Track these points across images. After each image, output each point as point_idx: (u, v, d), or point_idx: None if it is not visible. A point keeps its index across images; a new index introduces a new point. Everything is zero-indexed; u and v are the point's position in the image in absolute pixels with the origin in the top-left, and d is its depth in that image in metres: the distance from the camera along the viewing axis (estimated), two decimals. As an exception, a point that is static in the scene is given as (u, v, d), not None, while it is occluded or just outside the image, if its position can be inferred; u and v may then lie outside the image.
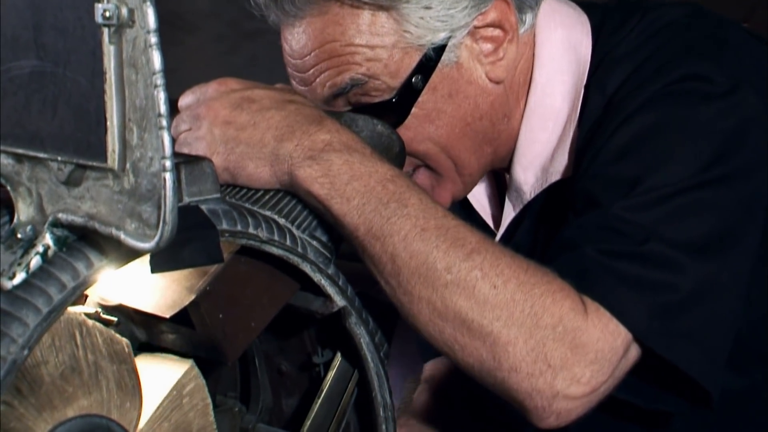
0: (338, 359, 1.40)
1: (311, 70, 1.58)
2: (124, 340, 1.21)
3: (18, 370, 1.09)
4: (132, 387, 1.22)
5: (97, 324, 1.20)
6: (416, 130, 1.59)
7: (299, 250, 1.30)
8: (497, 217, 1.79)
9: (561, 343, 1.33)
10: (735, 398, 1.56)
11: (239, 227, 1.24)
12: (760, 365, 1.62)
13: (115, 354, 1.21)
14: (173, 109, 1.15)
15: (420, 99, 1.58)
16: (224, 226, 1.22)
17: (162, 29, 1.05)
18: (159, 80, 1.02)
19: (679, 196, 1.42)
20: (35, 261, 1.13)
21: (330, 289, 1.33)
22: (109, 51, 1.05)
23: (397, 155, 1.52)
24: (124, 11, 1.04)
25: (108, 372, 1.20)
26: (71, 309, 1.18)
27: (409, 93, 1.57)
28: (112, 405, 1.20)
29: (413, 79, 1.57)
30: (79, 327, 1.18)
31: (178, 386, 1.29)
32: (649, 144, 1.47)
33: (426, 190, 1.53)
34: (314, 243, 1.33)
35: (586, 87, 1.62)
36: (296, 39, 1.59)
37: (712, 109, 1.47)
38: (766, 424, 1.65)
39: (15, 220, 1.17)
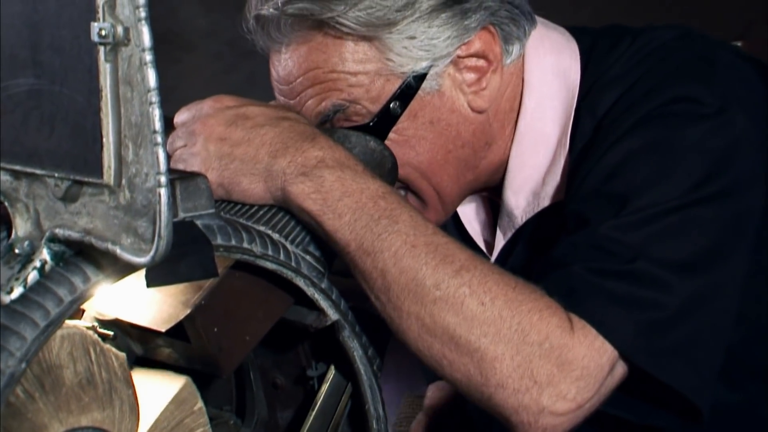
0: (332, 372, 1.40)
1: (297, 97, 1.59)
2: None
3: (17, 382, 1.10)
4: (157, 422, 1.24)
5: (112, 348, 1.21)
6: (398, 155, 1.59)
7: (293, 264, 1.30)
8: (490, 242, 1.79)
9: (547, 359, 1.34)
10: (729, 412, 1.56)
11: (234, 242, 1.25)
12: (753, 379, 1.62)
13: (127, 379, 1.22)
14: (169, 126, 1.16)
15: (400, 125, 1.58)
16: (219, 241, 1.23)
17: (160, 48, 1.06)
18: (154, 97, 1.03)
19: (667, 216, 1.43)
20: (33, 276, 1.14)
21: (323, 303, 1.33)
22: (105, 69, 1.06)
23: (389, 171, 1.53)
24: (120, 30, 1.05)
25: (122, 393, 1.21)
26: (80, 326, 1.20)
27: (386, 118, 1.57)
28: (123, 427, 1.21)
29: (392, 105, 1.57)
30: (93, 345, 1.19)
31: (175, 401, 1.30)
32: (639, 164, 1.47)
33: None
34: (308, 258, 1.34)
35: (577, 111, 1.62)
36: (282, 65, 1.60)
37: (701, 130, 1.48)
38: None
39: (13, 236, 1.17)
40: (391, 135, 1.59)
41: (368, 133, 1.56)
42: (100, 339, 1.21)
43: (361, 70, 1.57)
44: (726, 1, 4.71)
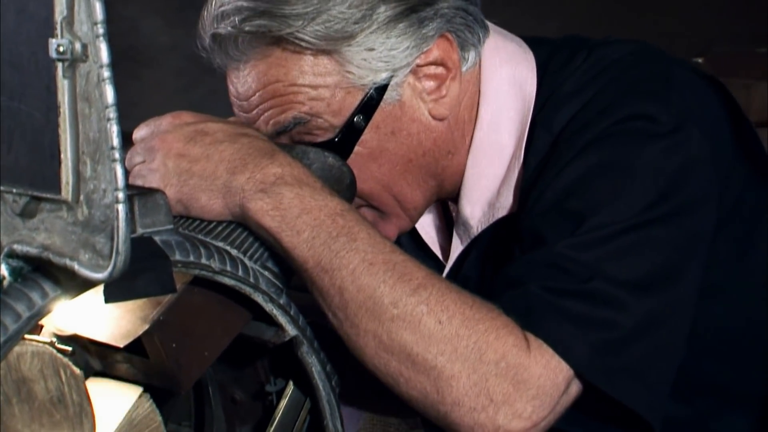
0: (290, 388, 1.40)
1: (255, 110, 1.59)
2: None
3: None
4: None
5: (77, 370, 1.21)
6: (360, 168, 1.59)
7: (251, 280, 1.31)
8: (446, 249, 1.80)
9: (503, 378, 1.34)
10: (680, 427, 1.58)
11: (192, 258, 1.25)
12: (704, 395, 1.64)
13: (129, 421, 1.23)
14: (128, 142, 1.16)
15: (363, 137, 1.59)
16: (177, 256, 1.23)
17: (121, 63, 1.07)
18: (112, 114, 1.03)
19: (623, 235, 1.44)
20: (-11, 291, 1.14)
21: (282, 319, 1.34)
22: (63, 85, 1.06)
23: (348, 186, 1.53)
24: (78, 46, 1.05)
25: (91, 417, 1.21)
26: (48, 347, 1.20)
27: (351, 132, 1.58)
28: None
29: (355, 119, 1.57)
30: (63, 367, 1.19)
31: (130, 415, 1.30)
32: (595, 183, 1.48)
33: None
34: (266, 273, 1.34)
35: (532, 124, 1.62)
36: (241, 82, 1.60)
37: (656, 149, 1.49)
38: None
39: (-30, 251, 1.17)
40: (355, 148, 1.59)
41: (329, 149, 1.56)
42: (71, 363, 1.21)
43: (321, 84, 1.57)
44: (687, 19, 4.75)
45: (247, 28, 1.54)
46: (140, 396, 1.31)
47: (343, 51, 1.55)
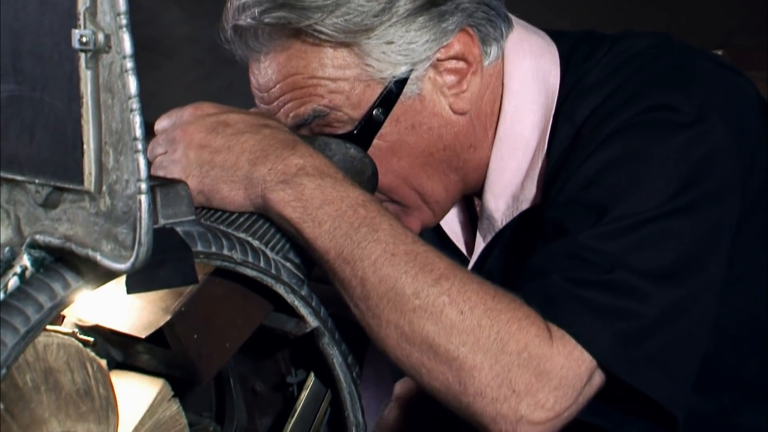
0: (311, 379, 1.40)
1: (275, 102, 1.59)
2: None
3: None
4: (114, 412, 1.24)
5: (103, 364, 1.22)
6: (380, 162, 1.59)
7: (273, 271, 1.31)
8: (470, 244, 1.79)
9: (526, 369, 1.35)
10: (703, 421, 1.57)
11: (214, 249, 1.25)
12: (727, 389, 1.63)
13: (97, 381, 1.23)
14: (149, 133, 1.16)
15: (383, 131, 1.59)
16: (199, 247, 1.23)
17: (140, 54, 1.06)
18: (135, 104, 1.03)
19: (646, 225, 1.44)
20: (13, 282, 1.14)
21: (303, 310, 1.34)
22: (85, 76, 1.07)
23: (369, 179, 1.53)
24: (101, 37, 1.05)
25: (117, 412, 1.22)
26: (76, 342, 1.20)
27: (370, 125, 1.58)
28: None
29: (374, 112, 1.57)
30: (90, 360, 1.20)
31: (153, 407, 1.30)
32: (618, 173, 1.48)
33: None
34: (288, 265, 1.34)
35: (555, 116, 1.62)
36: (261, 73, 1.60)
37: (679, 139, 1.49)
38: None
39: (-7, 242, 1.18)
40: (375, 141, 1.59)
41: (350, 141, 1.57)
42: (98, 357, 1.22)
43: (340, 76, 1.57)
44: (706, 10, 4.73)
45: (267, 20, 1.54)
46: (166, 394, 1.31)
47: (362, 44, 1.56)
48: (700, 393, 1.52)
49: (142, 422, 1.29)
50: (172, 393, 1.32)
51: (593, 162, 1.50)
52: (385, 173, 1.61)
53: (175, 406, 1.32)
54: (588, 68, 1.63)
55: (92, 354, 1.20)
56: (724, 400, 1.62)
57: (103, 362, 1.22)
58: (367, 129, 1.58)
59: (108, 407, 1.20)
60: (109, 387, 1.21)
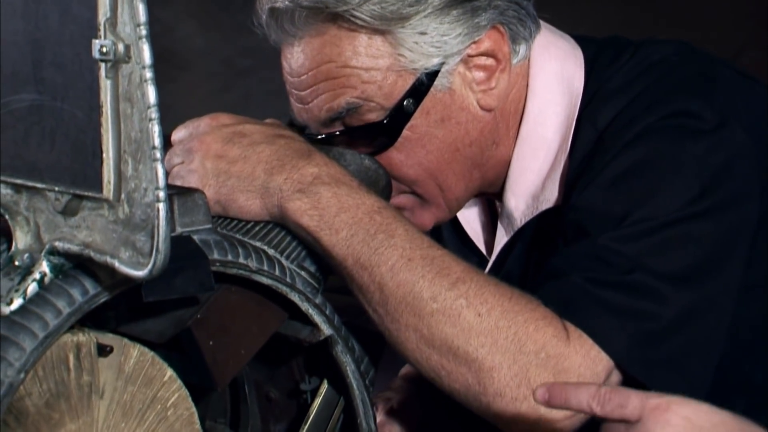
0: (325, 386, 1.41)
1: (308, 90, 1.60)
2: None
3: (15, 391, 1.11)
4: (131, 407, 1.23)
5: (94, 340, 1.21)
6: (408, 153, 1.61)
7: (288, 280, 1.31)
8: (490, 245, 1.81)
9: (544, 368, 1.36)
10: None
11: (230, 257, 1.26)
12: (740, 394, 1.63)
13: (125, 381, 1.23)
14: (166, 144, 1.17)
15: (412, 123, 1.60)
16: (215, 255, 1.24)
17: (156, 66, 1.07)
18: (153, 114, 1.04)
19: (665, 229, 1.45)
20: (32, 287, 1.14)
21: (317, 318, 1.34)
22: (105, 85, 1.07)
23: (383, 188, 1.54)
24: (121, 47, 1.06)
25: (109, 391, 1.21)
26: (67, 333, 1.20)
27: (400, 115, 1.59)
28: (102, 425, 1.21)
29: (405, 102, 1.58)
30: (75, 349, 1.19)
31: (162, 399, 1.30)
32: (639, 178, 1.50)
33: (409, 210, 1.59)
34: (302, 273, 1.35)
35: (578, 119, 1.64)
36: (295, 58, 1.60)
37: (700, 145, 1.50)
38: None
39: (13, 248, 1.18)
40: (404, 132, 1.60)
41: (379, 131, 1.59)
42: (87, 340, 1.21)
43: (373, 66, 1.58)
44: (718, 25, 4.73)
45: (304, 3, 1.55)
46: (167, 377, 1.29)
47: (396, 32, 1.57)
48: (715, 398, 1.52)
49: (151, 414, 1.29)
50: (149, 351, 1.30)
51: (615, 166, 1.52)
52: (411, 165, 1.63)
53: (184, 397, 1.31)
54: (611, 73, 1.64)
55: (79, 339, 1.19)
56: (736, 406, 1.62)
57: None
58: (397, 119, 1.59)
59: (91, 394, 1.20)
60: (95, 371, 1.20)
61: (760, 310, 1.60)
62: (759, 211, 1.52)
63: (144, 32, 1.04)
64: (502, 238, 1.75)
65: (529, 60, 1.67)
